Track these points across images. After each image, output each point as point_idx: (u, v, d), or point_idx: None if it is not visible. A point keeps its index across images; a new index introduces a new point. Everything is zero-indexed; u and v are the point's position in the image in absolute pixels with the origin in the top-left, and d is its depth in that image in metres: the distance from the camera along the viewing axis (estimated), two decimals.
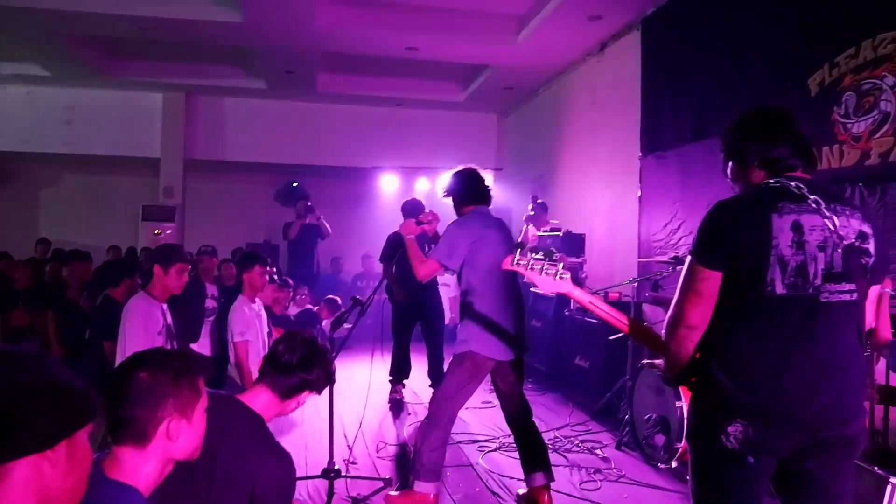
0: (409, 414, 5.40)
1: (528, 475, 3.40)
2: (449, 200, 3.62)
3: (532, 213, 7.32)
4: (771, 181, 1.80)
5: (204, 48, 8.10)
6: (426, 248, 4.31)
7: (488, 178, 3.76)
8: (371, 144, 10.15)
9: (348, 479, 3.71)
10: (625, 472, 3.98)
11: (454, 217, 3.56)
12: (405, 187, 9.63)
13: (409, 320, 5.86)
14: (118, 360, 3.29)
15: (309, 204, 9.31)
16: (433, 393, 3.52)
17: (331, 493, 3.50)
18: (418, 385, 5.99)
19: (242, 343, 4.13)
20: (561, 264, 2.00)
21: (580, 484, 3.79)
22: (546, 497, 3.37)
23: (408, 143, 10.17)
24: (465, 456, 4.30)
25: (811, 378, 1.69)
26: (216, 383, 4.09)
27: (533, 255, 2.01)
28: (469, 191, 3.54)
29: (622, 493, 3.70)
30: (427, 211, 3.94)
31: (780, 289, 1.69)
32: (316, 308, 7.53)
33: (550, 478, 3.40)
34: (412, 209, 5.28)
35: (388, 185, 9.91)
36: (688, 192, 5.37)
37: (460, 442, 4.52)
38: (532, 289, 4.22)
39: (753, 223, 1.71)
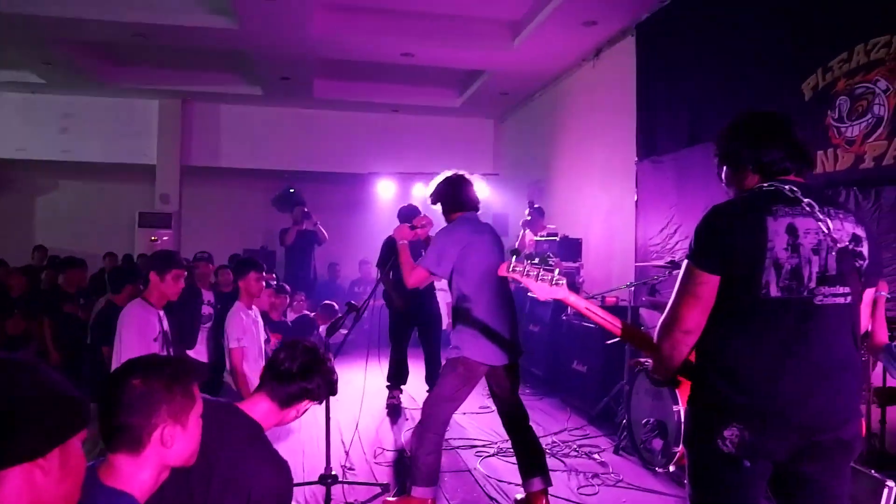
0: (407, 419, 5.39)
1: (526, 480, 3.40)
2: (438, 207, 3.62)
3: (529, 217, 7.33)
4: (765, 185, 1.80)
5: (200, 55, 8.11)
6: (423, 253, 4.32)
7: (482, 183, 3.78)
8: (367, 150, 10.16)
9: (346, 485, 3.70)
10: (622, 476, 3.97)
11: (448, 221, 3.56)
12: (402, 193, 9.64)
13: (407, 326, 5.86)
14: (113, 367, 3.28)
15: (305, 210, 9.31)
16: (426, 398, 3.51)
17: (328, 499, 3.49)
18: (416, 390, 5.98)
19: (238, 349, 4.12)
20: (556, 270, 2.01)
21: (578, 489, 3.79)
22: (544, 502, 3.36)
23: (404, 148, 10.18)
24: (462, 461, 4.29)
25: (806, 381, 1.70)
26: (213, 390, 4.07)
27: (528, 261, 2.02)
28: (456, 197, 3.55)
29: (620, 498, 3.70)
30: (422, 215, 3.94)
31: (774, 292, 1.70)
32: (313, 314, 7.52)
33: (548, 482, 3.39)
34: (409, 215, 5.27)
35: (385, 191, 9.92)
36: (684, 197, 5.38)
37: (458, 447, 4.52)
38: (529, 294, 4.23)
39: (748, 227, 1.72)
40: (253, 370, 3.98)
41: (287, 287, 7.20)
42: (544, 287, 1.99)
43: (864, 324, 1.89)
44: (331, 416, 3.66)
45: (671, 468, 3.80)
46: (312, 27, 6.67)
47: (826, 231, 1.72)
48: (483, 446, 4.55)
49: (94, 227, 10.27)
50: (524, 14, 6.72)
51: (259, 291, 4.46)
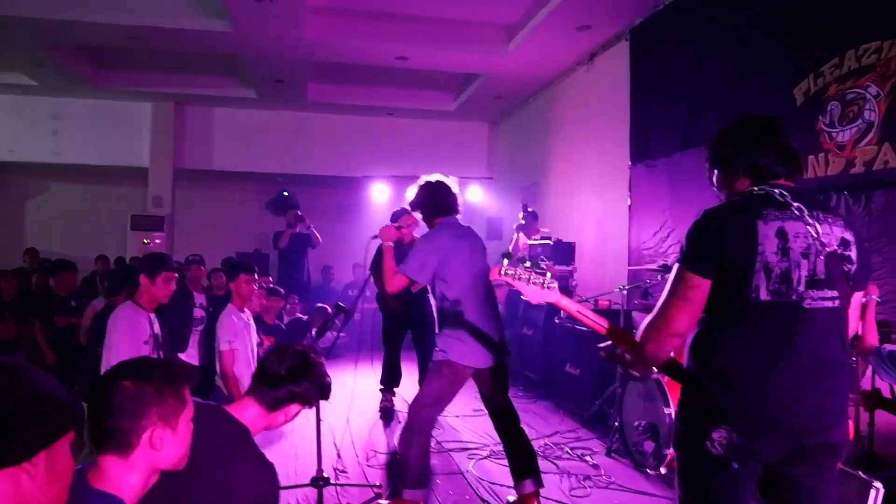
0: (400, 422, 5.37)
1: (518, 482, 3.40)
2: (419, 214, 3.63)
3: (523, 221, 7.33)
4: (755, 189, 1.82)
5: (193, 57, 8.10)
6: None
7: (477, 187, 3.78)
8: (362, 153, 10.16)
9: (338, 488, 3.69)
10: (614, 478, 3.98)
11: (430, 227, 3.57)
12: (396, 196, 9.62)
13: (401, 329, 5.85)
14: (103, 369, 3.26)
15: (299, 213, 9.30)
16: (412, 400, 3.51)
17: (320, 501, 3.47)
18: (409, 393, 5.96)
19: (228, 352, 4.10)
20: (548, 274, 2.01)
21: (570, 491, 3.79)
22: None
23: (399, 152, 10.18)
24: (455, 464, 4.29)
25: (795, 384, 1.71)
26: (204, 393, 4.05)
27: (521, 264, 2.02)
28: (436, 203, 3.54)
29: (612, 500, 3.71)
30: (407, 214, 3.92)
31: (764, 295, 1.71)
32: (306, 317, 7.50)
33: (540, 484, 3.40)
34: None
35: (379, 195, 9.91)
36: (677, 201, 5.40)
37: (451, 450, 4.51)
38: (522, 297, 4.24)
39: (739, 231, 1.73)
40: (244, 373, 3.96)
41: (281, 290, 7.18)
42: (536, 290, 2.00)
43: (853, 327, 1.91)
44: (324, 419, 3.65)
45: (662, 470, 3.81)
46: (306, 30, 6.67)
47: (815, 235, 1.73)
48: (476, 449, 4.55)
49: (85, 229, 10.23)
50: (519, 18, 6.75)
51: (250, 294, 4.44)
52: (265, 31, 6.61)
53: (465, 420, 5.19)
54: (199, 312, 5.23)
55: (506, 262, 2.04)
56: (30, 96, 9.37)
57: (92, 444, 1.42)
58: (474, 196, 10.12)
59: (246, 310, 4.45)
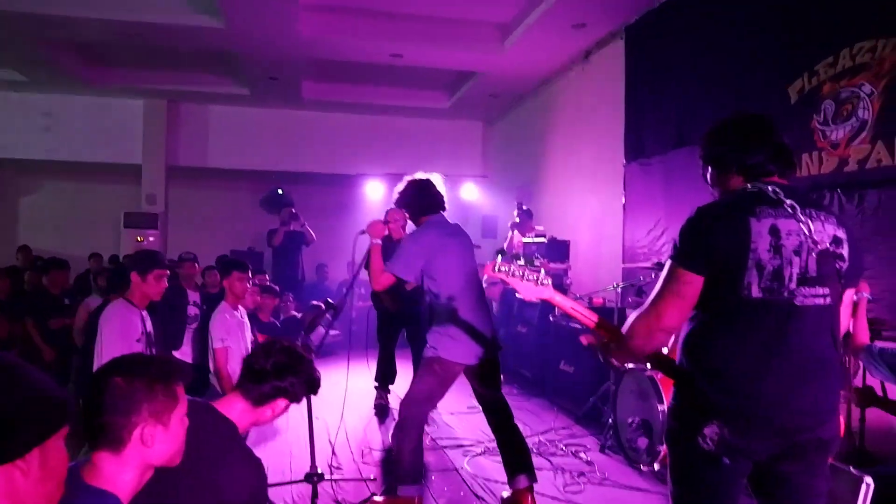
0: (394, 420, 5.37)
1: (511, 478, 3.41)
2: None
3: (517, 219, 7.35)
4: (749, 186, 1.82)
5: (186, 54, 8.06)
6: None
7: (472, 185, 3.78)
8: (356, 151, 10.14)
9: (333, 485, 3.69)
10: (608, 474, 3.99)
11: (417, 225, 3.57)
12: (390, 194, 9.59)
13: (395, 326, 5.85)
14: (95, 367, 3.25)
15: (293, 211, 9.28)
16: (403, 397, 3.51)
17: (314, 497, 3.47)
18: (404, 391, 5.96)
19: (222, 349, 4.10)
20: (542, 270, 2.01)
21: (564, 487, 3.81)
22: (529, 499, 3.37)
23: (393, 150, 10.17)
24: (449, 460, 4.29)
25: (787, 382, 1.71)
26: (198, 391, 4.05)
27: (515, 260, 2.02)
28: (422, 201, 3.55)
29: (605, 496, 3.72)
30: (395, 209, 3.92)
31: (756, 292, 1.71)
32: (300, 315, 7.49)
33: (533, 480, 3.40)
34: None
35: (374, 192, 9.90)
36: (671, 199, 5.42)
37: (445, 447, 4.52)
38: (517, 294, 4.25)
39: (732, 228, 1.73)
40: (238, 371, 3.95)
41: (276, 287, 7.16)
42: (530, 287, 2.00)
43: (845, 325, 1.92)
44: (319, 416, 3.64)
45: (656, 466, 3.83)
46: (300, 27, 6.65)
47: (807, 233, 1.73)
48: (470, 446, 4.56)
49: (79, 227, 10.17)
50: (514, 16, 6.74)
51: (243, 292, 4.44)
52: (259, 28, 6.59)
53: (460, 417, 5.20)
54: (192, 310, 5.21)
55: (500, 258, 2.05)
56: (21, 93, 9.31)
57: (84, 440, 1.42)
58: (469, 194, 10.13)
59: (240, 307, 4.45)
